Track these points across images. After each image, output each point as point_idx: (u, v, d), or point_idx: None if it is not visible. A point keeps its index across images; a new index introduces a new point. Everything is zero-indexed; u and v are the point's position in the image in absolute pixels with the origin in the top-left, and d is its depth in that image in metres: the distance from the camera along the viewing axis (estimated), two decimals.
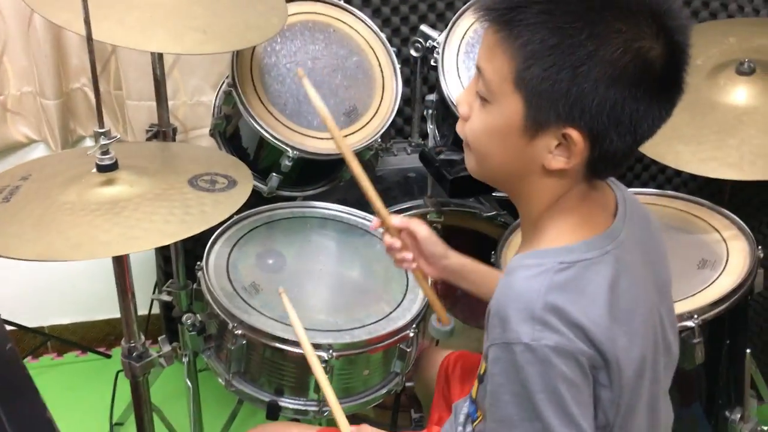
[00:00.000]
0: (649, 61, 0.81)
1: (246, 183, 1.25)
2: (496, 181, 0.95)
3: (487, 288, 1.18)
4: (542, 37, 0.80)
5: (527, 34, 0.81)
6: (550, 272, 0.85)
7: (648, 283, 0.94)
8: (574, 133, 0.83)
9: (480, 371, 1.06)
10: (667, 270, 1.01)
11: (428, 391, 1.47)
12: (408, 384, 1.53)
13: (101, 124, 1.13)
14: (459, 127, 0.94)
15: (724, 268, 1.41)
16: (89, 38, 1.08)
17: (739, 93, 1.59)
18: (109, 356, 2.22)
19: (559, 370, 0.82)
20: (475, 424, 1.07)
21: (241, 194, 1.21)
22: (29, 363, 2.20)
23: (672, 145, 1.58)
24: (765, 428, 1.46)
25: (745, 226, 1.50)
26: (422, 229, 1.20)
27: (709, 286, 1.38)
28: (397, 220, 1.21)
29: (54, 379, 2.15)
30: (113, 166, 1.16)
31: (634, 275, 0.90)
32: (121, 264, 1.24)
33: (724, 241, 1.48)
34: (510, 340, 0.83)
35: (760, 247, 1.44)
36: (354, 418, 1.65)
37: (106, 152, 1.15)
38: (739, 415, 1.45)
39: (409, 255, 1.22)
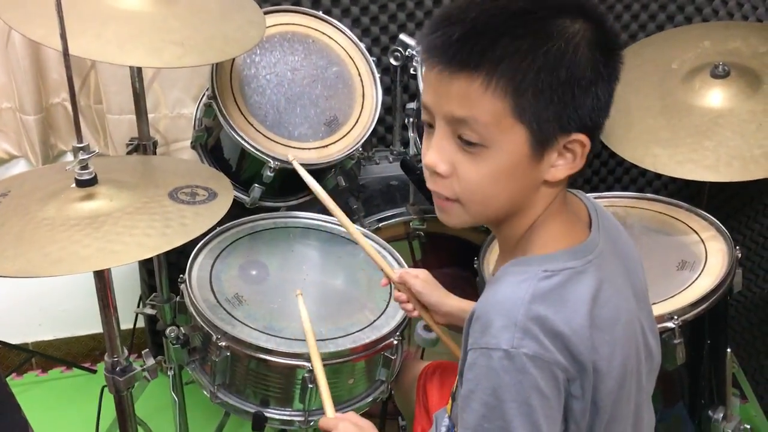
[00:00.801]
0: (595, 39, 0.83)
1: (226, 195, 1.26)
2: (497, 219, 0.92)
3: None
4: (526, 63, 0.80)
5: (510, 66, 0.80)
6: (534, 280, 0.85)
7: (627, 292, 0.94)
8: (581, 137, 0.84)
9: (453, 389, 1.07)
10: (643, 277, 1.02)
11: (408, 403, 1.48)
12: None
13: (80, 139, 1.13)
14: (439, 187, 0.88)
15: (702, 268, 1.43)
16: (65, 53, 1.09)
17: (715, 96, 1.61)
18: (94, 371, 2.20)
19: (534, 381, 0.82)
20: None
21: (221, 206, 1.21)
22: (14, 380, 2.18)
23: (649, 149, 1.60)
24: (748, 427, 1.47)
25: (723, 227, 1.51)
26: (416, 282, 1.26)
27: (688, 287, 1.39)
28: (395, 276, 1.27)
29: (39, 396, 2.14)
30: (92, 181, 1.16)
31: (614, 284, 0.91)
32: (102, 278, 1.24)
33: (703, 242, 1.49)
34: (489, 345, 0.83)
35: (737, 247, 1.45)
36: None
37: (85, 167, 1.15)
38: (722, 414, 1.46)
39: (409, 306, 1.28)
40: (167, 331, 1.42)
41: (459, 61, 0.81)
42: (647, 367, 0.97)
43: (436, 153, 0.87)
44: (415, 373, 1.47)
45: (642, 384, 0.96)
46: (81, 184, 1.15)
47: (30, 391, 2.15)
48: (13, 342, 2.12)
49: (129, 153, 1.66)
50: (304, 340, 1.33)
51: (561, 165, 0.86)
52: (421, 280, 1.27)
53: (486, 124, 0.82)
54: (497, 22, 0.81)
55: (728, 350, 1.45)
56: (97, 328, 2.19)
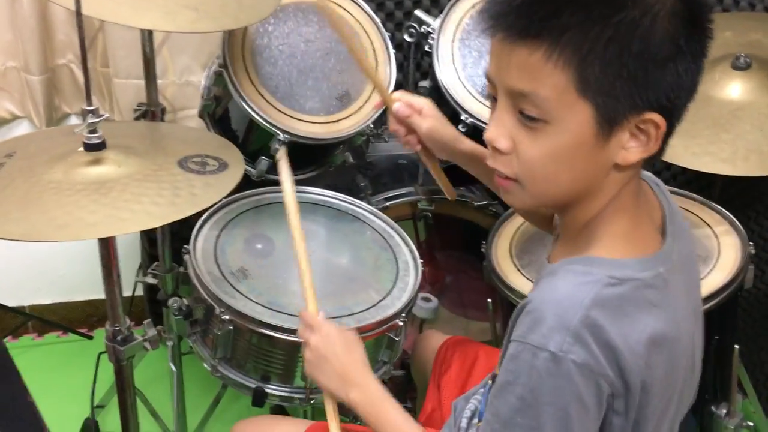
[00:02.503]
0: (680, 11, 0.76)
1: (237, 166, 1.23)
2: (562, 202, 0.86)
3: (483, 169, 1.13)
4: (594, 33, 0.74)
5: (576, 36, 0.74)
6: (598, 285, 0.79)
7: (688, 308, 0.89)
8: (655, 116, 0.78)
9: (496, 370, 1.03)
10: (700, 291, 0.97)
11: (424, 375, 1.45)
12: (395, 373, 1.52)
13: (89, 102, 1.10)
14: (499, 164, 0.84)
15: (715, 263, 1.41)
16: (78, 12, 1.05)
17: (734, 88, 1.58)
18: (90, 337, 2.19)
19: (576, 390, 0.77)
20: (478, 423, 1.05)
21: (232, 177, 1.19)
22: (9, 343, 2.16)
23: (665, 139, 1.57)
24: (750, 424, 1.47)
25: (737, 222, 1.50)
26: (424, 125, 1.16)
27: (700, 281, 1.37)
28: (393, 104, 1.16)
29: (34, 360, 2.13)
30: (101, 145, 1.13)
31: (679, 301, 0.86)
32: (107, 246, 1.21)
33: (716, 236, 1.48)
34: (536, 343, 0.78)
35: (751, 243, 1.43)
36: (341, 408, 1.65)
37: (94, 131, 1.12)
38: (725, 411, 1.46)
39: (413, 139, 1.19)
40: (170, 302, 1.41)
41: (519, 29, 0.76)
42: (690, 383, 0.93)
43: (496, 127, 0.82)
44: (434, 345, 1.43)
45: (683, 401, 0.92)
46: (89, 148, 1.12)
47: (25, 355, 2.14)
48: (9, 305, 2.11)
49: (137, 119, 1.63)
50: None
51: (633, 147, 0.80)
52: (430, 118, 1.16)
53: (547, 99, 0.77)
54: None
55: (736, 347, 1.43)
56: (94, 294, 2.18)
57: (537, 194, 0.84)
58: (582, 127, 0.78)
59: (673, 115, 0.80)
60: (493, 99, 0.84)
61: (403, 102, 1.17)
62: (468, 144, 1.18)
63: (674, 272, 0.85)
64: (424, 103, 1.18)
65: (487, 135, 0.83)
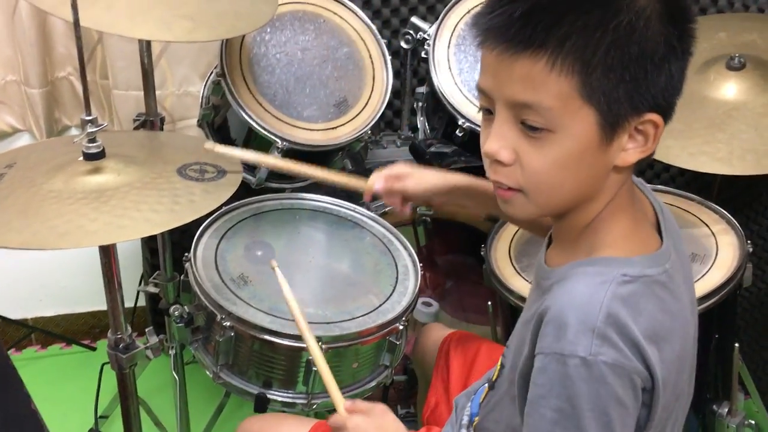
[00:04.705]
0: (666, 12, 0.78)
1: (235, 173, 1.24)
2: (564, 209, 0.86)
3: (482, 199, 1.17)
4: (595, 39, 0.75)
5: (578, 43, 0.75)
6: (614, 283, 0.79)
7: (689, 302, 0.90)
8: (654, 117, 0.79)
9: (493, 377, 1.03)
10: (693, 286, 0.97)
11: (426, 368, 1.45)
12: (397, 377, 1.52)
13: (88, 112, 1.11)
14: (501, 176, 0.83)
15: (713, 262, 1.41)
16: (76, 24, 1.06)
17: (729, 88, 1.59)
18: (93, 349, 2.20)
19: (613, 391, 0.77)
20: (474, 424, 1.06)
21: (230, 184, 1.20)
22: (13, 355, 2.17)
23: (662, 140, 1.57)
24: (752, 422, 1.47)
25: (734, 221, 1.50)
26: (409, 184, 1.21)
27: (698, 280, 1.38)
28: (377, 185, 1.22)
29: (38, 372, 2.13)
30: (100, 155, 1.14)
31: (681, 295, 0.87)
32: (108, 254, 1.22)
33: (714, 235, 1.48)
34: (565, 351, 0.78)
35: (749, 241, 1.44)
36: None
37: (93, 140, 1.13)
38: (726, 409, 1.46)
39: (406, 207, 1.24)
40: (171, 310, 1.41)
41: (522, 40, 0.76)
42: (691, 375, 0.93)
43: (497, 140, 0.81)
44: (436, 338, 1.43)
45: (690, 389, 0.93)
46: (89, 157, 1.13)
47: (29, 367, 2.14)
48: (13, 317, 2.11)
49: (136, 128, 1.64)
50: (310, 323, 1.31)
51: (632, 148, 0.81)
52: (408, 176, 1.20)
53: (551, 108, 0.77)
54: None
55: (736, 345, 1.44)
56: (97, 305, 2.19)
57: (542, 203, 0.84)
58: (586, 133, 0.79)
59: (668, 114, 0.82)
60: (486, 111, 0.84)
61: (380, 178, 1.22)
62: (459, 177, 1.21)
63: (675, 268, 0.86)
64: (397, 167, 1.22)
65: (487, 148, 0.82)
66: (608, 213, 0.85)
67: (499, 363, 1.02)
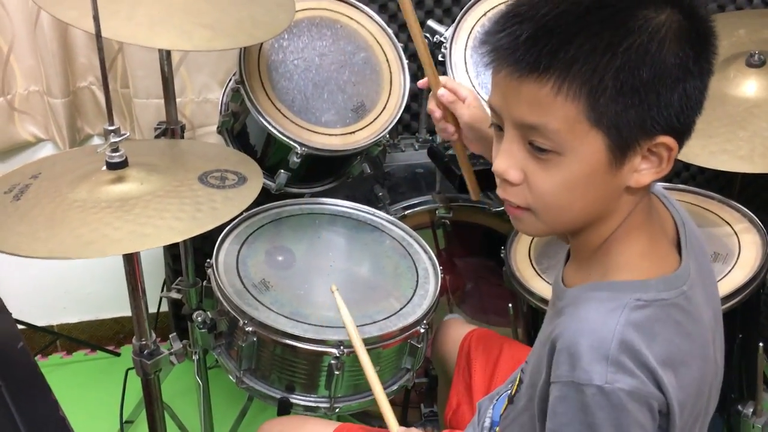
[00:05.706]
0: (684, 31, 0.76)
1: (256, 179, 1.25)
2: (575, 228, 0.85)
3: None
4: (603, 63, 0.73)
5: (585, 68, 0.73)
6: (627, 309, 0.78)
7: (711, 318, 0.88)
8: (667, 140, 0.77)
9: (511, 392, 1.03)
10: (718, 294, 0.95)
11: (446, 365, 1.44)
12: (418, 380, 1.52)
13: (111, 122, 1.13)
14: (510, 195, 0.83)
15: (736, 261, 1.41)
16: (98, 35, 1.08)
17: (750, 85, 1.58)
18: (118, 354, 2.22)
19: (633, 417, 0.77)
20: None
21: (251, 190, 1.21)
22: (39, 362, 2.20)
23: None
24: None
25: (757, 219, 1.49)
26: (466, 114, 1.17)
27: (721, 279, 1.37)
28: (444, 93, 1.17)
29: (63, 378, 2.16)
30: (123, 164, 1.16)
31: (701, 315, 0.85)
32: (131, 262, 1.24)
33: (736, 234, 1.47)
34: (580, 380, 0.77)
35: None
36: (363, 415, 1.66)
37: (116, 149, 1.15)
38: (751, 410, 1.45)
39: (450, 128, 1.19)
40: (194, 316, 1.42)
41: (527, 64, 0.75)
42: (716, 389, 0.92)
43: (506, 159, 0.81)
44: (456, 336, 1.43)
45: (709, 409, 0.91)
46: (112, 166, 1.15)
47: (54, 373, 2.17)
48: (38, 324, 2.14)
49: (157, 137, 1.66)
50: (331, 327, 1.33)
51: (645, 170, 0.79)
52: (472, 107, 1.15)
53: (558, 131, 0.76)
54: (570, 19, 0.74)
55: (760, 344, 1.42)
56: (121, 311, 2.21)
57: (550, 222, 0.83)
58: (594, 156, 0.77)
59: (683, 135, 0.80)
60: (497, 128, 0.83)
61: (449, 87, 1.18)
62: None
63: (695, 286, 0.84)
64: (468, 93, 1.18)
65: (497, 167, 0.82)
66: (623, 232, 0.84)
67: (518, 377, 1.02)
